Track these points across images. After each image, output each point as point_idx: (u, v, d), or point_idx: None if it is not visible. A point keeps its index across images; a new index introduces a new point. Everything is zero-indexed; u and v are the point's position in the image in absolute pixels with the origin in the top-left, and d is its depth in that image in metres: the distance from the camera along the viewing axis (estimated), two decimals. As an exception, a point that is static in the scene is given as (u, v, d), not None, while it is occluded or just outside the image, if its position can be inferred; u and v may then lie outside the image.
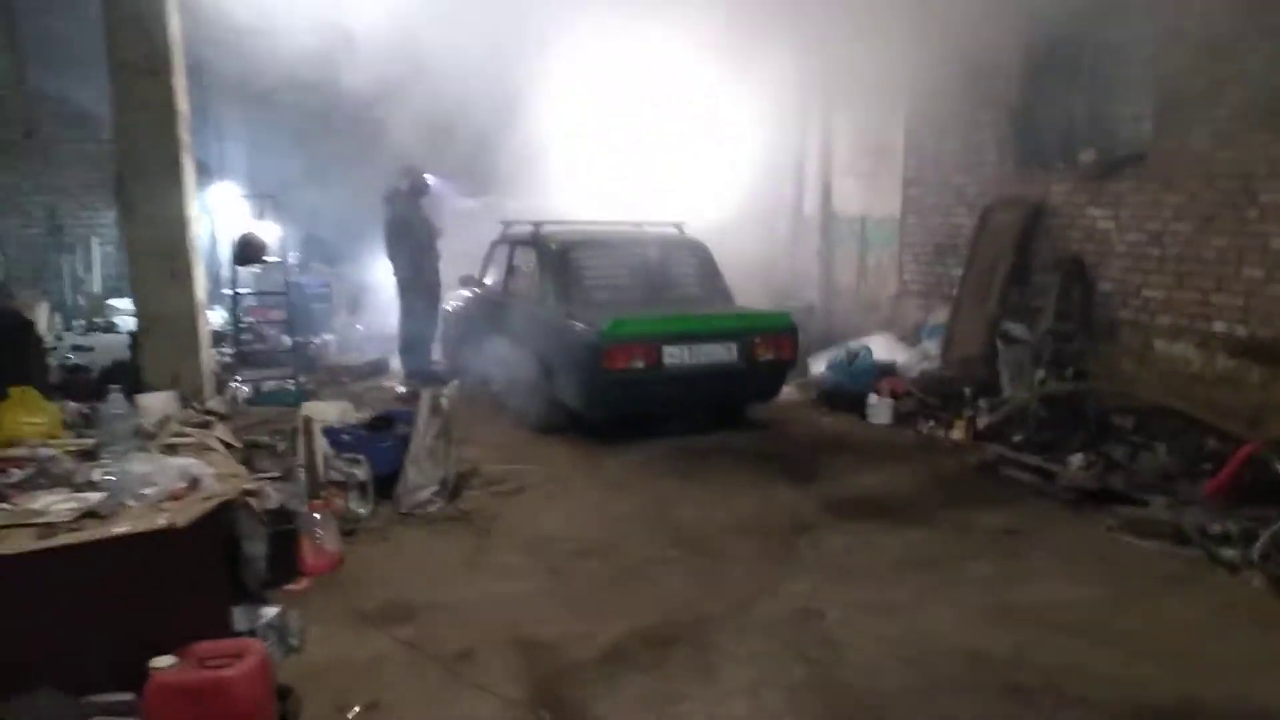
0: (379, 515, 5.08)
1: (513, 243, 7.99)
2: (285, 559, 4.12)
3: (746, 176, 10.03)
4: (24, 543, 2.53)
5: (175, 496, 2.84)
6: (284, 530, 4.12)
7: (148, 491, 2.79)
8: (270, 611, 3.43)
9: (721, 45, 8.70)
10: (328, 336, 9.72)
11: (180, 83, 7.28)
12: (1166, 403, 5.94)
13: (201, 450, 3.38)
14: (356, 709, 3.17)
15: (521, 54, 9.47)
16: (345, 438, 5.27)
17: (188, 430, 3.70)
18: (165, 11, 7.08)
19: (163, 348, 6.36)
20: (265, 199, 8.74)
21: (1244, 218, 5.81)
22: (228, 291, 9.31)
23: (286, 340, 8.77)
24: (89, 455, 3.06)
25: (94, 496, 2.75)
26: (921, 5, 7.16)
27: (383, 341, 10.12)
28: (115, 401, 3.02)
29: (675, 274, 7.53)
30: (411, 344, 8.61)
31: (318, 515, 4.41)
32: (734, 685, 3.34)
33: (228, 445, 3.78)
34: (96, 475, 2.86)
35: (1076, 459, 5.50)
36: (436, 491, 5.24)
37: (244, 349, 8.65)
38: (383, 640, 3.69)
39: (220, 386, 7.08)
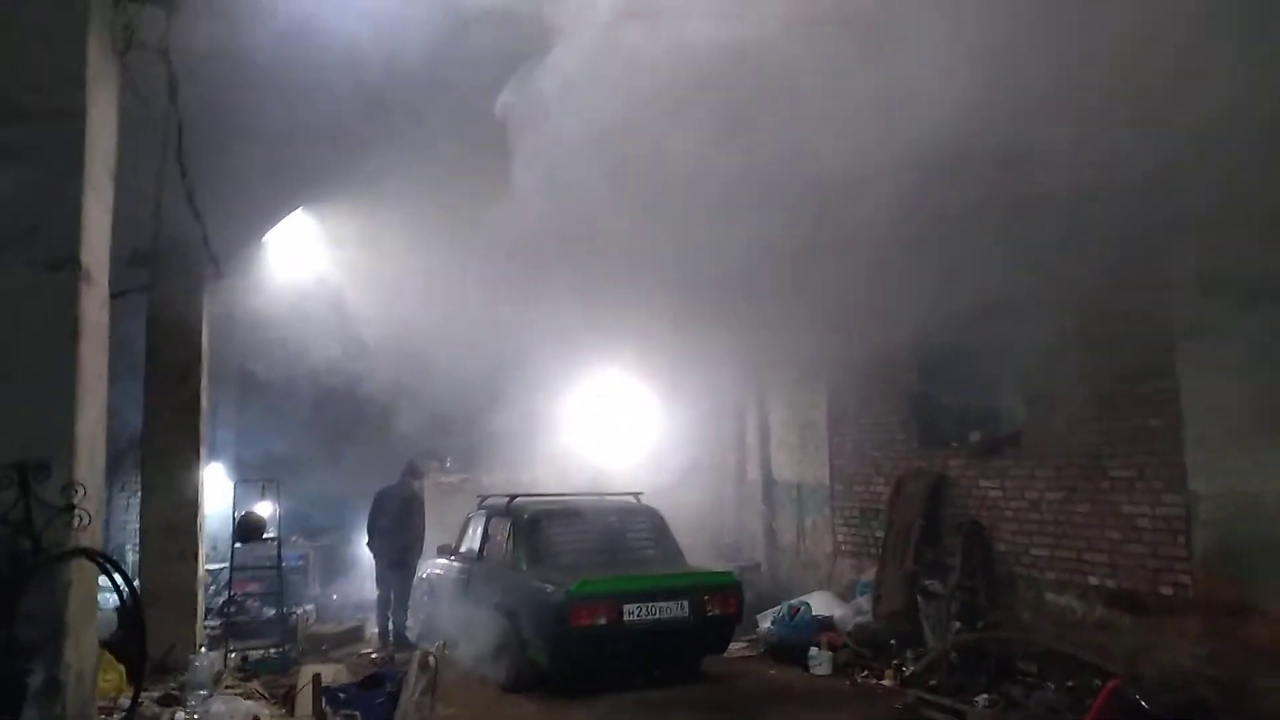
0: (370, 768, 5.66)
1: (488, 514, 8.99)
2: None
3: (696, 447, 11.32)
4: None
5: (243, 732, 3.63)
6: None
7: (222, 728, 3.58)
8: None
9: (671, 334, 10.30)
10: (308, 606, 10.33)
11: (204, 384, 8.50)
12: (1059, 647, 6.87)
13: (248, 697, 4.15)
14: None
15: (494, 348, 10.98)
16: (341, 695, 5.95)
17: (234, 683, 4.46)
18: (201, 324, 8.47)
19: (164, 619, 6.99)
20: (267, 481, 9.72)
21: (1099, 488, 7.08)
22: (213, 566, 10.01)
23: (269, 611, 9.39)
24: (165, 701, 3.83)
25: (181, 733, 3.53)
26: (838, 309, 8.79)
27: (355, 609, 10.78)
28: (205, 656, 3.85)
29: (632, 538, 8.56)
30: (393, 607, 9.41)
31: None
32: None
33: (264, 695, 4.53)
34: (180, 715, 3.64)
35: (982, 699, 6.33)
36: (421, 745, 5.86)
37: (229, 620, 9.22)
38: None
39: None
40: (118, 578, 2.69)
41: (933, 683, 6.91)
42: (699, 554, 8.93)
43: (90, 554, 2.64)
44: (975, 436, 8.17)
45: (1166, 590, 6.46)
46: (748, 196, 6.69)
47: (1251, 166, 5.10)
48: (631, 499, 9.02)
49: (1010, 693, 6.40)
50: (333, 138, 7.09)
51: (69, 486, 3.24)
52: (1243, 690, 5.79)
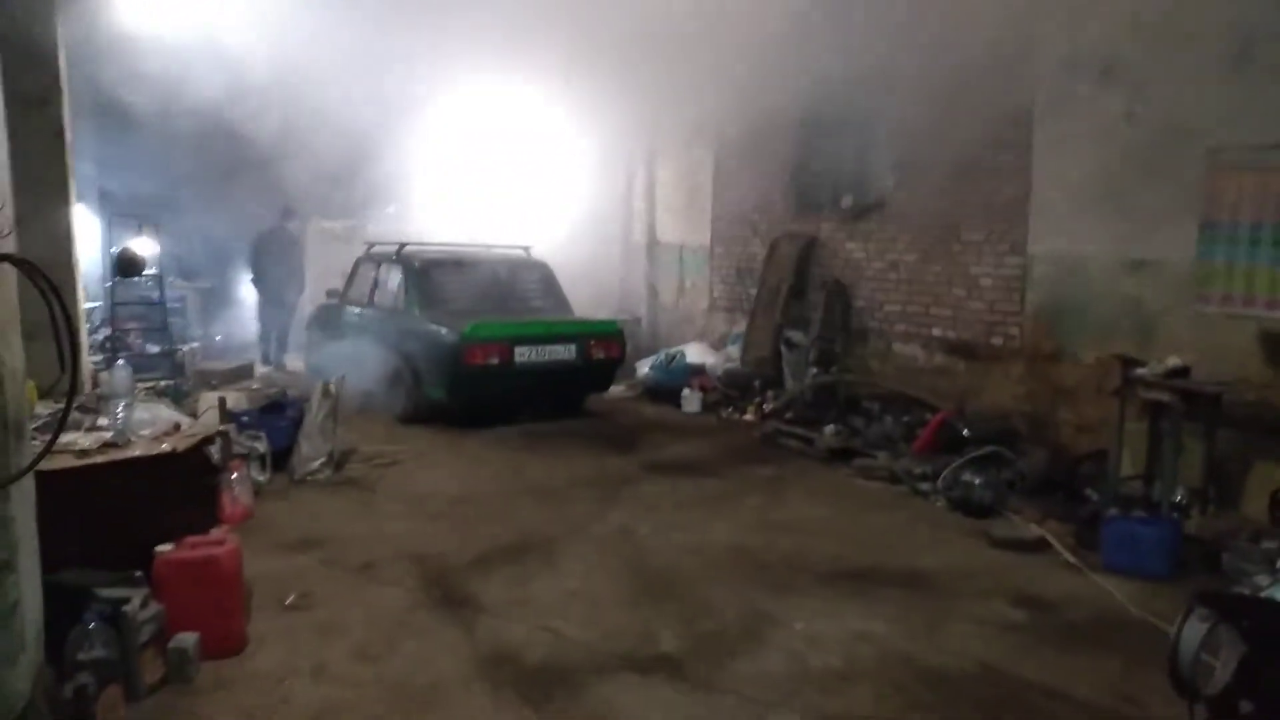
0: (276, 482, 6.11)
1: (377, 261, 9.08)
2: (209, 508, 5.13)
3: (585, 207, 11.53)
4: (68, 461, 3.54)
5: (167, 434, 3.90)
6: (210, 483, 5.13)
7: (145, 431, 3.84)
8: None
9: (562, 91, 10.17)
10: (193, 344, 10.38)
11: (67, 112, 7.97)
12: (899, 389, 7.83)
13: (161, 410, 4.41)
14: (293, 596, 4.31)
15: (384, 86, 10.55)
16: (245, 418, 6.27)
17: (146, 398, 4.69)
18: (57, 47, 7.82)
19: (46, 354, 7.04)
20: (144, 217, 9.39)
21: (951, 251, 7.79)
22: (90, 305, 9.82)
23: (153, 348, 9.43)
24: (82, 409, 4.04)
25: (106, 435, 3.77)
26: (722, 71, 8.88)
27: (241, 350, 10.92)
28: (122, 368, 4.02)
29: (522, 288, 8.92)
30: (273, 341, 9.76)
31: (234, 475, 5.43)
32: (572, 571, 4.72)
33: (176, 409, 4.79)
34: (102, 420, 3.87)
35: (829, 429, 7.25)
36: (325, 462, 6.32)
37: (113, 356, 9.23)
38: (301, 560, 4.81)
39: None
40: (42, 283, 2.79)
41: (789, 416, 7.81)
42: (586, 308, 9.40)
43: (9, 258, 2.74)
44: (847, 202, 8.68)
45: (998, 341, 7.38)
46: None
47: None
48: (521, 252, 9.27)
49: (854, 424, 7.34)
50: None
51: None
52: (1047, 422, 6.88)
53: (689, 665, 3.72)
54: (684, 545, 5.11)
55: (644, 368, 9.83)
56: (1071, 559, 4.92)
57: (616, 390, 9.15)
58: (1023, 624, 4.18)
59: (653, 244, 11.92)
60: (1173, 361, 5.25)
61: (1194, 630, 2.23)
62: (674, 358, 9.52)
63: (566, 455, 7.06)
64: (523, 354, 7.74)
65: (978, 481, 5.78)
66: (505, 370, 7.65)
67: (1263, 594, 2.33)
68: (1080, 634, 4.08)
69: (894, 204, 8.30)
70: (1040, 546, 5.13)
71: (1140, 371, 5.30)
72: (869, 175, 8.65)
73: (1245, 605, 2.27)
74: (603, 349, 8.19)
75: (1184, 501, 5.19)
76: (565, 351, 7.96)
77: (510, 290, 8.79)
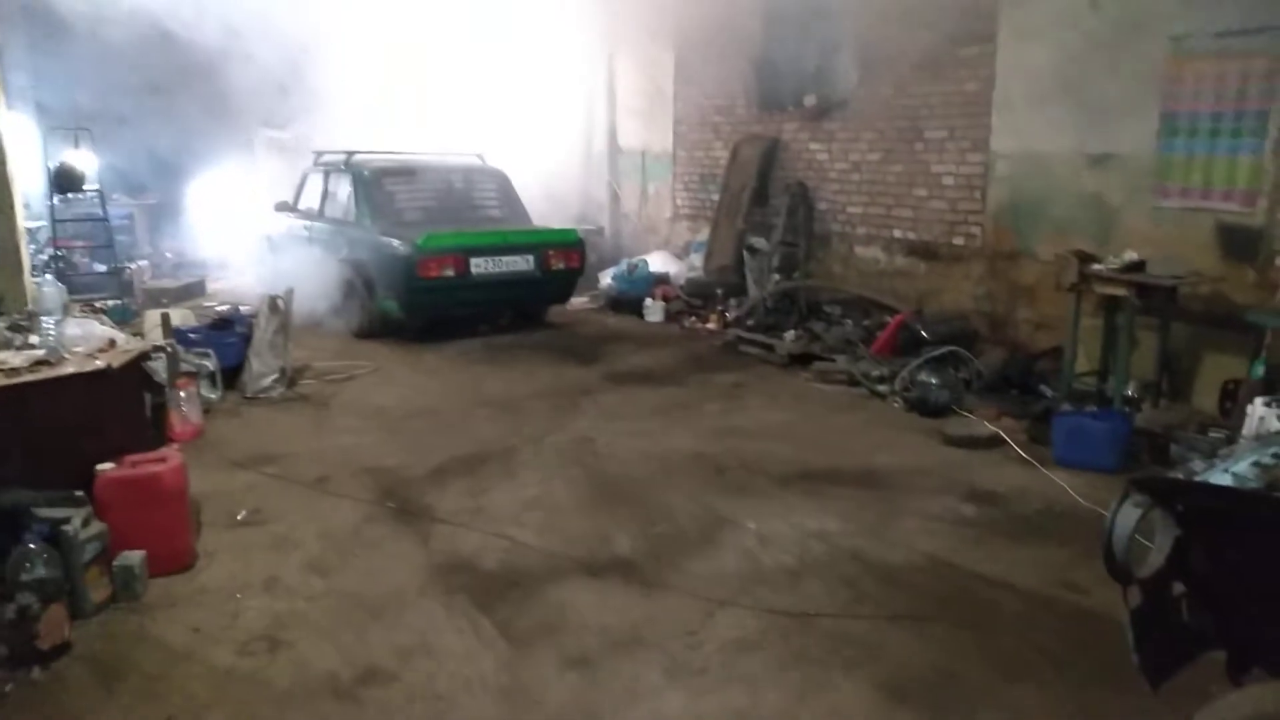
0: (228, 400, 6.00)
1: (326, 170, 8.77)
2: (157, 427, 5.03)
3: (545, 113, 11.17)
4: (-5, 381, 3.42)
5: (102, 350, 3.77)
6: (156, 402, 5.02)
7: (79, 348, 3.70)
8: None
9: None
10: (141, 262, 10.08)
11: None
12: (860, 293, 7.80)
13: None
14: (244, 512, 4.26)
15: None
16: (193, 336, 6.12)
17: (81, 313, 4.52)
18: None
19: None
20: (81, 130, 8.97)
21: (914, 150, 7.66)
22: (30, 225, 9.45)
23: (99, 266, 9.15)
24: (14, 329, 3.88)
25: (38, 352, 3.63)
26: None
27: (193, 267, 10.63)
28: (50, 283, 3.86)
29: (479, 197, 8.68)
30: None
31: (182, 393, 5.31)
32: (529, 480, 4.70)
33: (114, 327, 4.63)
34: (35, 339, 3.73)
35: (790, 335, 7.23)
36: (277, 379, 6.21)
37: (58, 275, 8.94)
38: (253, 475, 4.75)
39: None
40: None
41: (750, 323, 7.76)
42: (546, 219, 9.19)
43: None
44: (810, 100, 8.47)
45: (959, 241, 7.32)
46: None
47: None
48: (476, 160, 8.99)
49: (814, 329, 7.32)
50: None
51: None
52: (1006, 321, 6.91)
53: (643, 567, 3.74)
54: (643, 453, 5.10)
55: (606, 278, 9.70)
56: (1024, 454, 4.98)
57: (578, 301, 9.05)
58: (973, 518, 4.24)
59: (614, 150, 11.64)
60: (1129, 256, 5.22)
61: (1128, 515, 2.23)
62: (636, 267, 9.40)
63: (526, 367, 6.99)
64: (479, 265, 7.57)
65: (934, 381, 5.80)
66: (461, 282, 7.50)
67: (1197, 479, 2.33)
68: (1028, 526, 4.15)
69: (857, 102, 8.10)
70: (994, 443, 5.19)
71: (1097, 267, 5.28)
72: (833, 72, 8.42)
73: (1179, 489, 2.27)
74: (562, 259, 8.04)
75: (1136, 395, 5.25)
76: (523, 262, 7.81)
77: (466, 200, 8.55)
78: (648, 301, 8.85)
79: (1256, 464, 2.46)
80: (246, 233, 9.98)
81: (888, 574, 3.69)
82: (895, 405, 6.02)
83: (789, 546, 3.93)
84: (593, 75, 11.55)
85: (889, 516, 4.24)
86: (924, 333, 6.62)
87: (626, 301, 9.13)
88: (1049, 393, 5.66)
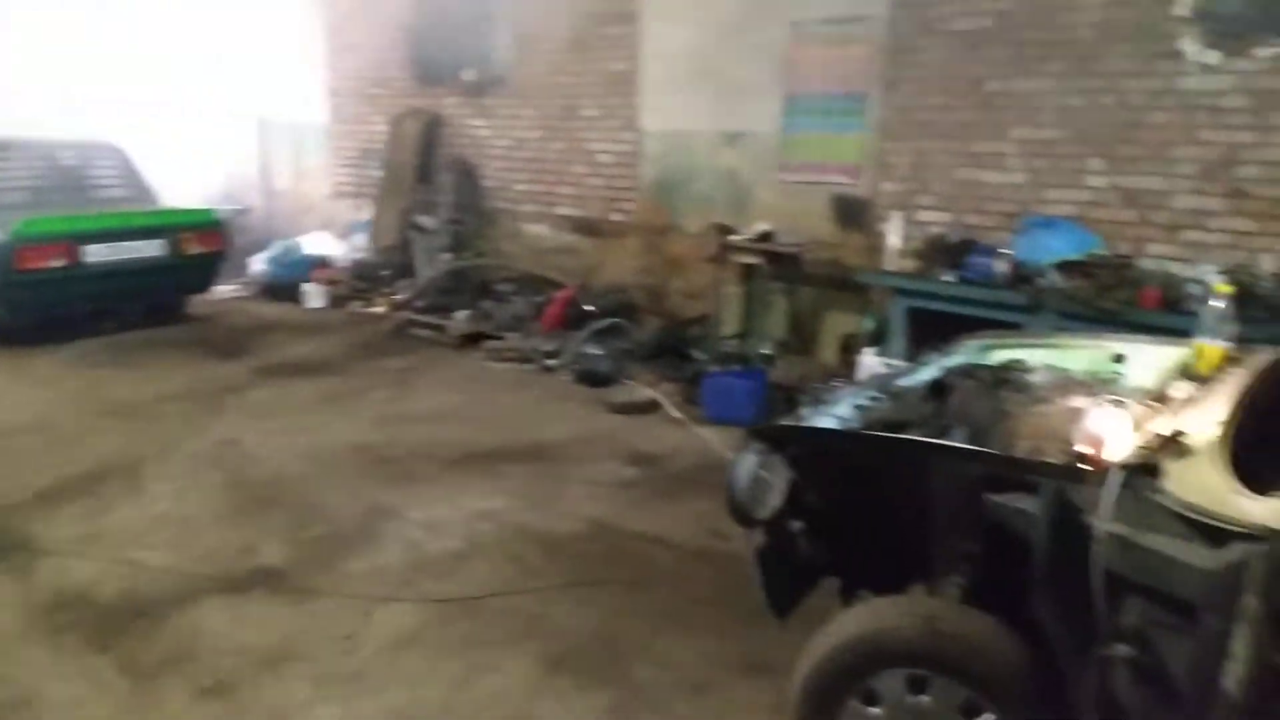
0: None
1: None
2: None
3: (178, 82, 9.96)
4: None
5: None
6: None
7: None
8: None
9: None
10: None
11: None
12: (529, 270, 7.83)
13: None
14: None
15: None
16: None
17: None
18: None
19: None
20: None
21: (572, 127, 7.79)
22: None
23: None
24: None
25: None
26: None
27: None
28: None
29: (93, 178, 7.54)
30: None
31: None
32: (159, 495, 4.16)
33: None
34: None
35: (461, 315, 7.09)
36: None
37: None
38: None
39: None
40: None
41: (420, 305, 7.50)
42: (183, 199, 8.19)
43: None
44: (470, 75, 8.31)
45: (617, 216, 7.58)
46: None
47: None
48: (90, 137, 7.79)
49: (486, 308, 7.24)
50: None
51: None
52: (661, 292, 7.26)
53: (293, 575, 3.45)
54: (297, 451, 4.72)
55: (258, 262, 8.90)
56: (678, 415, 5.28)
57: (225, 290, 8.20)
58: (633, 480, 4.41)
59: (262, 122, 10.67)
60: (760, 227, 5.70)
61: (747, 463, 2.39)
62: (290, 249, 8.70)
63: (160, 367, 6.19)
64: (95, 253, 6.57)
65: (598, 353, 5.97)
66: (74, 273, 6.47)
67: (804, 424, 2.55)
68: (681, 482, 4.39)
69: (515, 79, 8.07)
70: (653, 408, 5.45)
71: (734, 238, 5.70)
72: (490, 48, 8.31)
73: (790, 434, 2.46)
74: (199, 243, 7.21)
75: (771, 353, 5.76)
76: (151, 247, 6.89)
77: (77, 181, 7.37)
78: (306, 286, 8.24)
79: (856, 406, 2.74)
80: None
81: (553, 545, 3.72)
82: (564, 379, 6.11)
83: (455, 531, 3.82)
84: (231, 38, 10.47)
85: (555, 488, 4.28)
86: (588, 307, 6.78)
87: (283, 287, 8.43)
88: (700, 356, 6.04)
